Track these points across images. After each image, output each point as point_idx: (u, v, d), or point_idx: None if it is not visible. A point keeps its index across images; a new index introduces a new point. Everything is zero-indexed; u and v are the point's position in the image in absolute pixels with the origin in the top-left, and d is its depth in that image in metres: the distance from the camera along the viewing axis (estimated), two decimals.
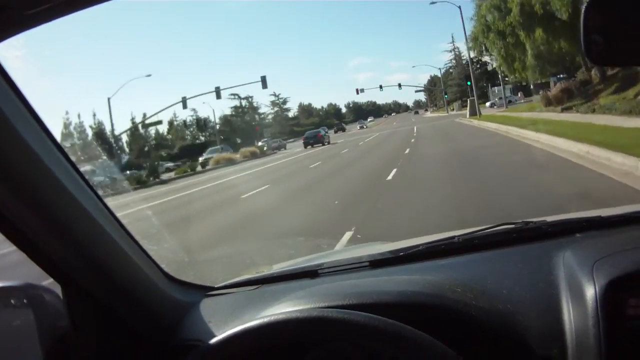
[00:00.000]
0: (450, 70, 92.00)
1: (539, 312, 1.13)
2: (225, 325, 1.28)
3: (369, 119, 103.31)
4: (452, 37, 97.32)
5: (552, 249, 1.31)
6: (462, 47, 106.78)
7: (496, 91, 63.08)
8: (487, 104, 60.83)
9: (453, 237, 1.49)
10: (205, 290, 1.53)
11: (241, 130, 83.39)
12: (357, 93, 72.93)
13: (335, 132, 68.94)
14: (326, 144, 43.84)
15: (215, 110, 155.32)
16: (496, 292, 1.20)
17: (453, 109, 76.52)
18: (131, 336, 1.28)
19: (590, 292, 1.06)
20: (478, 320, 1.12)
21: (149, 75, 69.36)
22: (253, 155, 43.86)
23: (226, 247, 7.62)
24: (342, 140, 45.59)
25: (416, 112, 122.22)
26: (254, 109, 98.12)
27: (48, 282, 1.20)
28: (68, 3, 0.88)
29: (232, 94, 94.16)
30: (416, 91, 75.15)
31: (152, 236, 6.02)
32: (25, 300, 1.16)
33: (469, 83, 42.75)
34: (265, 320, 1.07)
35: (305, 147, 43.61)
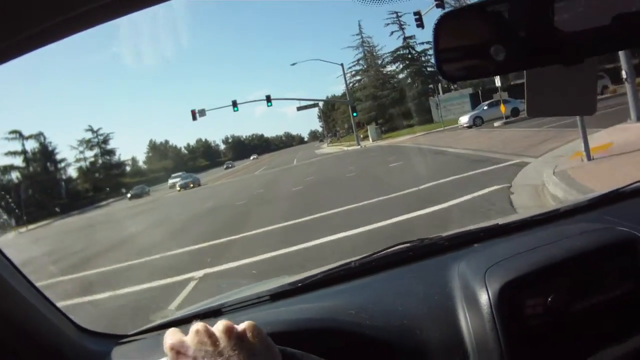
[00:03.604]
0: (358, 76, 58.84)
1: (437, 323, 1.20)
2: None
3: (176, 177, 52.82)
4: (360, 25, 64.58)
5: (448, 262, 1.39)
6: (377, 37, 74.04)
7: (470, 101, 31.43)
8: (463, 119, 28.23)
9: (350, 263, 1.55)
10: (117, 339, 1.54)
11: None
12: (194, 118, 40.92)
13: None
14: None
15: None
16: (392, 310, 1.26)
17: (367, 136, 43.24)
18: None
19: (484, 298, 1.15)
20: (373, 338, 1.18)
21: None
22: None
23: None
24: None
25: (321, 141, 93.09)
26: (46, 154, 63.93)
27: None
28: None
29: (12, 132, 58.86)
30: (298, 108, 41.19)
31: None
32: None
33: None
34: None
35: None
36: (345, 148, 43.77)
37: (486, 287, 1.17)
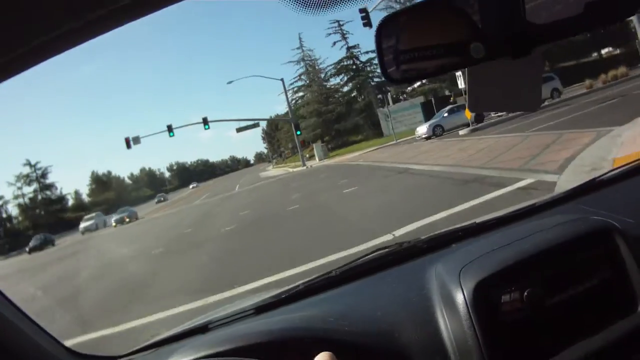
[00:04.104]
0: (301, 92, 55.17)
1: (416, 325, 1.20)
2: None
3: (89, 219, 44.80)
4: (300, 38, 60.66)
5: (425, 264, 1.40)
6: (319, 49, 71.77)
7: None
8: (421, 129, 25.00)
9: (331, 272, 1.55)
10: None
11: None
12: (128, 146, 36.60)
13: None
14: None
15: None
16: (371, 315, 1.27)
17: (314, 155, 41.95)
18: None
19: (459, 297, 1.16)
20: (352, 344, 1.18)
21: None
22: None
23: None
24: None
25: (270, 162, 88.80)
26: None
27: None
28: None
29: None
30: (237, 130, 36.36)
31: None
32: None
33: None
34: None
35: None
36: (291, 169, 40.51)
37: (461, 286, 1.18)
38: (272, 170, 53.91)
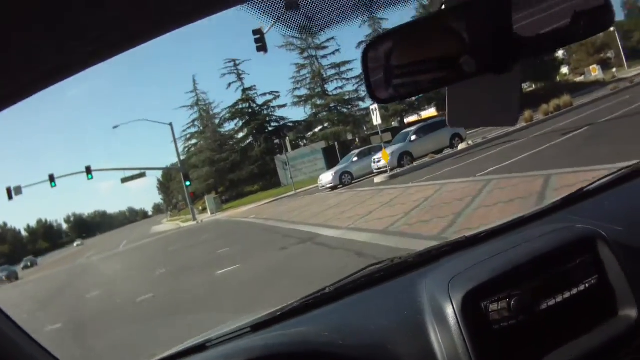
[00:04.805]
0: (194, 139, 49.53)
1: (408, 338, 1.22)
2: None
3: None
4: (194, 80, 54.72)
5: (417, 278, 1.40)
6: (215, 92, 66.96)
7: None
8: (325, 178, 21.90)
9: (324, 288, 1.54)
10: None
11: None
12: (10, 197, 32.10)
13: None
14: None
15: None
16: (363, 329, 1.28)
17: (205, 208, 37.79)
18: None
19: (449, 309, 1.18)
20: (347, 357, 1.21)
21: None
22: None
23: None
24: None
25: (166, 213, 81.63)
26: None
27: None
28: None
29: None
30: (123, 180, 36.05)
31: None
32: None
33: None
34: None
35: None
36: (182, 224, 36.05)
37: (450, 297, 1.19)
38: (165, 224, 48.30)
